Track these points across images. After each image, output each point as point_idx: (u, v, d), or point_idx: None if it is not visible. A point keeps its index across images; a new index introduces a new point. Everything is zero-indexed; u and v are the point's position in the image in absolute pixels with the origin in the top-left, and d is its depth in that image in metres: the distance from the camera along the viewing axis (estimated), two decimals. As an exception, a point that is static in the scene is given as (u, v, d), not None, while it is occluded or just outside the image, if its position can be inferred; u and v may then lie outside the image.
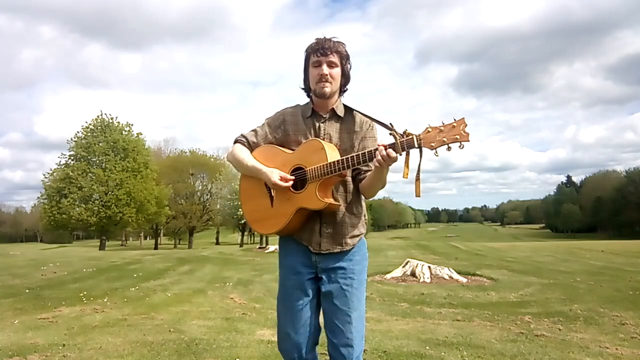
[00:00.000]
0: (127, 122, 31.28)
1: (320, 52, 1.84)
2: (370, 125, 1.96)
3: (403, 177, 1.71)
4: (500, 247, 17.63)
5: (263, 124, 2.01)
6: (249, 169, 1.93)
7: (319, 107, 1.95)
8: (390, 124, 1.73)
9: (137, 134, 31.70)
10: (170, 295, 6.15)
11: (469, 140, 1.61)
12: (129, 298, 5.91)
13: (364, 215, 2.02)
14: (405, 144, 1.66)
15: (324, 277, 1.90)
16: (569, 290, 6.33)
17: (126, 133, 30.91)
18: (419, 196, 1.70)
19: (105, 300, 5.74)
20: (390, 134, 1.70)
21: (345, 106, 1.97)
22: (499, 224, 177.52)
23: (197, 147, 45.97)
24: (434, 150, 1.63)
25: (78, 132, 29.87)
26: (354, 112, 1.96)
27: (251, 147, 1.99)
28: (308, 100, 2.00)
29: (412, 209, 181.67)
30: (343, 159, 1.77)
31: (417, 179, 1.69)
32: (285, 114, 1.99)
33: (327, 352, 1.91)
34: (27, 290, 6.43)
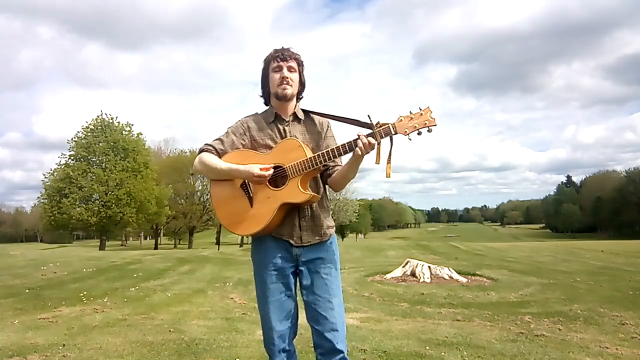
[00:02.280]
0: (127, 122, 31.28)
1: (280, 57, 1.99)
2: (328, 125, 2.13)
3: (375, 162, 1.85)
4: (500, 247, 17.63)
5: (227, 133, 2.06)
6: (224, 172, 1.95)
7: (281, 111, 2.06)
8: (368, 115, 1.88)
9: (137, 134, 31.70)
10: (170, 295, 6.15)
11: (436, 125, 1.83)
12: (129, 298, 5.91)
13: (330, 209, 2.15)
14: (382, 132, 1.84)
15: (304, 269, 1.99)
16: (569, 290, 6.33)
17: (126, 133, 30.87)
18: (389, 177, 1.92)
19: (105, 300, 5.74)
20: (369, 124, 1.88)
21: (303, 110, 2.12)
22: (499, 224, 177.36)
23: (197, 147, 45.84)
24: (407, 136, 1.84)
25: (78, 132, 29.85)
26: (312, 114, 2.12)
27: (219, 154, 2.01)
28: (266, 107, 2.11)
29: (412, 209, 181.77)
30: (324, 152, 1.89)
31: (389, 162, 1.88)
32: (248, 121, 2.08)
33: (312, 347, 1.97)
34: (27, 290, 6.43)
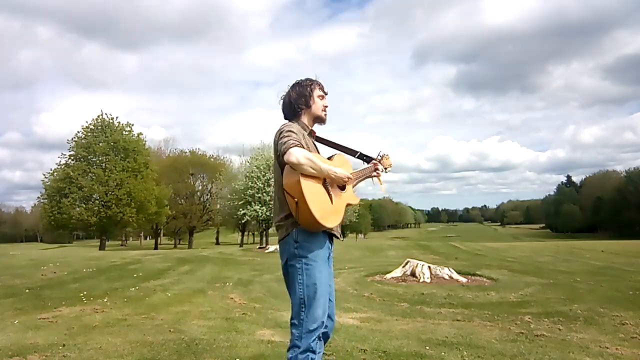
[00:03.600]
0: (128, 122, 31.24)
1: (324, 90, 2.43)
2: None
3: (380, 186, 2.58)
4: (500, 247, 17.63)
5: (296, 134, 2.20)
6: (324, 170, 2.14)
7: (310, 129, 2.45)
8: (380, 151, 2.63)
9: (137, 134, 31.69)
10: (170, 295, 6.15)
11: (392, 167, 2.68)
12: (129, 298, 5.91)
13: None
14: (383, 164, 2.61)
15: (328, 262, 2.30)
16: (569, 290, 6.33)
17: (126, 133, 30.85)
18: (385, 192, 2.70)
19: (105, 300, 5.74)
20: (369, 157, 2.59)
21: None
22: (499, 224, 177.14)
23: (197, 147, 45.94)
24: (385, 170, 2.63)
25: (78, 132, 29.76)
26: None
27: None
28: (292, 119, 2.37)
29: (412, 209, 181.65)
30: (364, 169, 2.53)
31: (381, 183, 2.59)
32: (299, 129, 2.31)
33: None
34: (27, 290, 6.43)
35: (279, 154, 2.15)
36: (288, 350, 2.17)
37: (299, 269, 2.17)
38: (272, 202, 27.26)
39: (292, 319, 2.20)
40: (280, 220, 2.23)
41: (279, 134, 2.19)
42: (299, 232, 2.17)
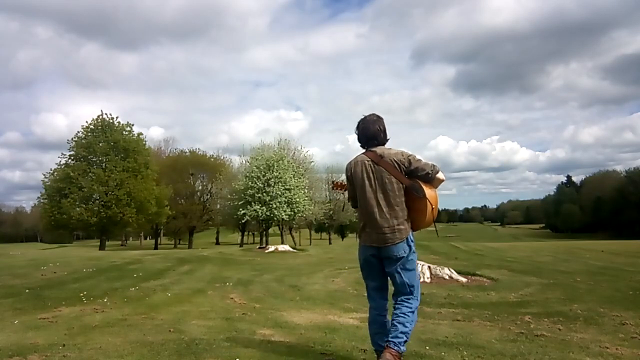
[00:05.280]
0: (128, 122, 31.24)
1: None
2: None
3: None
4: (500, 247, 17.62)
5: None
6: None
7: None
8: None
9: (137, 134, 31.69)
10: (170, 295, 6.15)
11: None
12: (129, 298, 5.91)
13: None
14: None
15: None
16: (569, 290, 6.33)
17: (126, 133, 30.85)
18: None
19: (105, 300, 5.74)
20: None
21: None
22: (499, 224, 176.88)
23: (197, 147, 45.95)
24: None
25: (78, 132, 29.76)
26: None
27: None
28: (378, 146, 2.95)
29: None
30: None
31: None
32: None
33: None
34: (27, 290, 6.42)
35: (426, 172, 2.80)
36: (406, 312, 3.01)
37: (414, 261, 2.91)
38: (272, 203, 26.94)
39: (402, 294, 3.01)
40: (400, 224, 2.80)
41: (410, 157, 2.84)
42: (412, 232, 2.87)
